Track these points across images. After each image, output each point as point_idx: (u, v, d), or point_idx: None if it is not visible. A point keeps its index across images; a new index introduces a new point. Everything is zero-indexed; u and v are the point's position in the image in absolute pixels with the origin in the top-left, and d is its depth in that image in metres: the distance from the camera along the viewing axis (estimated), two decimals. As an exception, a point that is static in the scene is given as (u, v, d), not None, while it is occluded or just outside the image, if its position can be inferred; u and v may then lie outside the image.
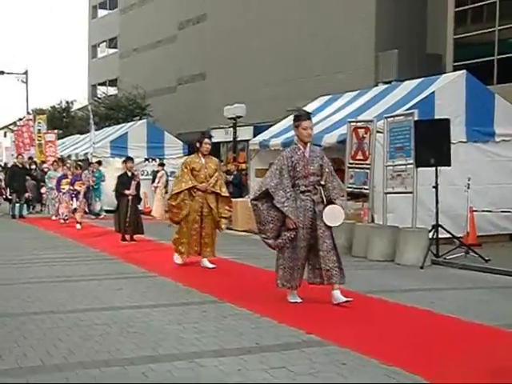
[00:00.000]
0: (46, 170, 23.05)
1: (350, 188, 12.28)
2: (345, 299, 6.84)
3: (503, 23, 22.44)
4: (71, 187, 17.81)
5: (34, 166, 24.61)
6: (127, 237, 13.61)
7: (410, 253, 10.71)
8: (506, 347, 5.48)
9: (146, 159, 23.28)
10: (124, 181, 13.77)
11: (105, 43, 50.52)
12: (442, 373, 4.63)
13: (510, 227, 13.46)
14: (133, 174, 13.92)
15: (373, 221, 12.00)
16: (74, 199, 17.69)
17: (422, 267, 10.27)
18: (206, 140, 9.94)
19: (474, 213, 12.17)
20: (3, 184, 22.60)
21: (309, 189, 6.97)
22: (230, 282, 8.75)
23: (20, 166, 21.74)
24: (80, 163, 20.46)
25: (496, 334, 5.96)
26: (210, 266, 9.88)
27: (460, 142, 12.69)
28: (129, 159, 14.50)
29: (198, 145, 10.02)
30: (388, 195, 11.58)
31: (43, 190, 22.19)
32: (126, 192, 13.55)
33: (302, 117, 7.17)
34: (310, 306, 6.92)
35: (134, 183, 13.67)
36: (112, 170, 22.23)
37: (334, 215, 6.95)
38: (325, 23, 26.95)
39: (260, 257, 10.69)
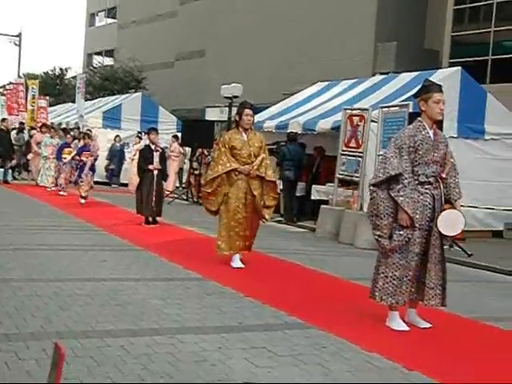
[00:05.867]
0: (32, 134, 22.46)
1: (342, 175, 12.59)
2: (425, 324, 5.72)
3: (499, 25, 22.87)
4: (77, 157, 16.19)
5: (25, 132, 24.21)
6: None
7: (396, 243, 10.68)
8: (480, 339, 5.62)
9: (139, 133, 22.93)
10: (147, 155, 12.05)
11: (103, 12, 50.11)
12: (421, 361, 4.66)
13: (493, 224, 13.68)
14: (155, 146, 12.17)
15: (362, 209, 12.01)
16: (78, 171, 15.98)
17: (406, 258, 10.26)
18: (247, 111, 8.12)
19: (459, 208, 12.21)
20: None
21: (430, 180, 5.61)
22: (216, 260, 8.66)
23: (5, 130, 20.98)
24: (89, 133, 19.43)
25: (469, 326, 6.13)
26: (241, 265, 8.26)
27: (451, 137, 12.64)
28: (152, 130, 12.48)
29: (237, 117, 8.23)
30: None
31: (29, 157, 21.74)
32: (150, 167, 11.87)
33: (433, 87, 5.64)
34: (293, 289, 6.90)
35: (156, 155, 12.02)
36: (104, 141, 22.12)
37: (451, 222, 5.56)
38: (327, 10, 26.84)
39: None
